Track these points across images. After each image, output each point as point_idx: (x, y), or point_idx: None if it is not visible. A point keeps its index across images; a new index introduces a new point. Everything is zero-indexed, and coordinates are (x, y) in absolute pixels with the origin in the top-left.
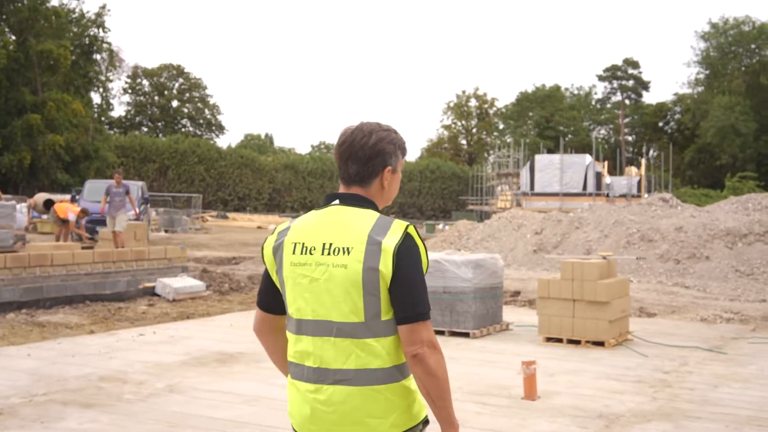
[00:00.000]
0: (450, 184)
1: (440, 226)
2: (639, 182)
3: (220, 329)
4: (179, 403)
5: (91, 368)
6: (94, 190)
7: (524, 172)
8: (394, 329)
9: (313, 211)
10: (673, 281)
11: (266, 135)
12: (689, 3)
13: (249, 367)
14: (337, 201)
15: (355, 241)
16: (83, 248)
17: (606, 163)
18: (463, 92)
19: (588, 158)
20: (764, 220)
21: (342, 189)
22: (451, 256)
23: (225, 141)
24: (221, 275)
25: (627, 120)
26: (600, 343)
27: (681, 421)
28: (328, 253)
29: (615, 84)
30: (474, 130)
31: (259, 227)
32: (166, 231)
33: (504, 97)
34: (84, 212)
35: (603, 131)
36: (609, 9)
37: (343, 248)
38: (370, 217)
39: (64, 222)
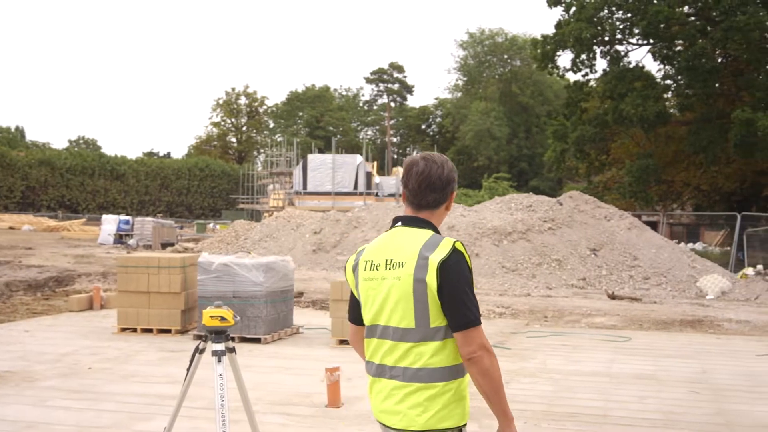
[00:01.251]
0: (220, 183)
1: (211, 226)
2: None
3: None
4: None
5: None
6: None
7: (297, 172)
8: (441, 335)
9: (383, 234)
10: None
11: (17, 128)
12: (450, 12)
13: (20, 388)
14: (399, 223)
15: (408, 257)
16: None
17: (375, 163)
18: (233, 89)
19: (359, 158)
20: (526, 219)
21: (410, 212)
22: (242, 259)
23: None
24: None
25: (393, 122)
26: None
27: (483, 420)
28: (389, 268)
29: (381, 87)
30: (244, 128)
31: (11, 228)
32: None
33: (274, 95)
34: None
35: (370, 132)
36: (376, 13)
37: (399, 263)
38: (423, 235)
39: None
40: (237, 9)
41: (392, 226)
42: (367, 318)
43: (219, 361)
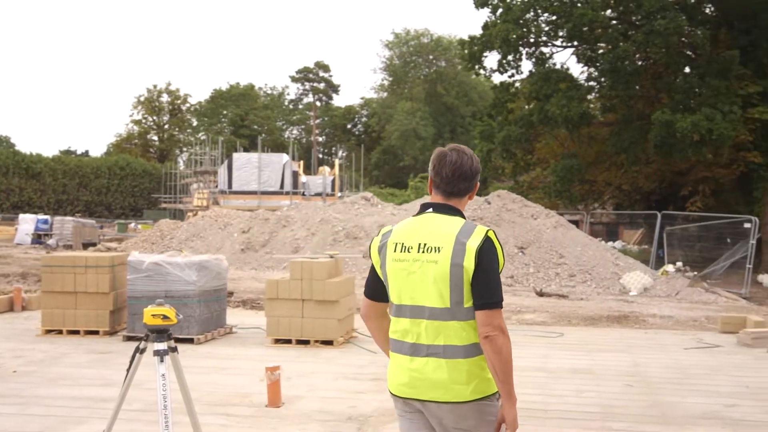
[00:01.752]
0: (141, 182)
1: (132, 225)
2: (333, 181)
3: None
4: None
5: None
6: None
7: (222, 171)
8: (473, 314)
9: (410, 218)
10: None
11: None
12: (376, 12)
13: None
14: (430, 209)
15: (445, 242)
16: None
17: (301, 162)
18: (155, 87)
19: (285, 157)
20: None
21: (439, 200)
22: (174, 258)
23: None
24: None
25: (318, 121)
26: (329, 342)
27: None
28: (423, 252)
29: (307, 86)
30: (166, 126)
31: None
32: None
33: (197, 93)
34: None
35: (296, 131)
36: (301, 12)
37: (435, 247)
38: (457, 222)
39: None
40: (159, 4)
41: (421, 211)
42: (395, 296)
43: (161, 360)
